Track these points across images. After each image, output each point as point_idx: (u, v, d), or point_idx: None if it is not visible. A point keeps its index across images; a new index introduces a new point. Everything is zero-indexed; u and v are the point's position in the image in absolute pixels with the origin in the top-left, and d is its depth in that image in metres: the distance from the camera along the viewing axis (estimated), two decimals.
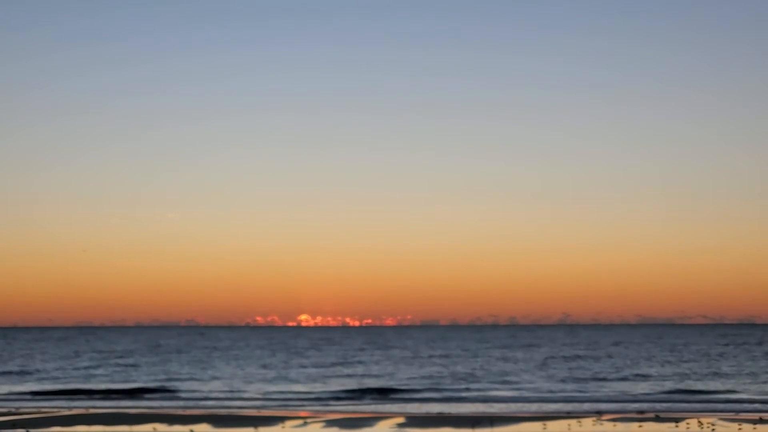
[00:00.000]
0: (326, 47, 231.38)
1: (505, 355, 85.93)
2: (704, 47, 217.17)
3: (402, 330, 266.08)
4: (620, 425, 27.80)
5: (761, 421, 29.16)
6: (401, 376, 57.70)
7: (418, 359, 79.76)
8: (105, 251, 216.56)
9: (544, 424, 28.31)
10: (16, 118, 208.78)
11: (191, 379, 57.33)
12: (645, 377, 55.73)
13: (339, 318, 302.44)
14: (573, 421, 29.00)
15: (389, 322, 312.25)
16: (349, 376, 59.11)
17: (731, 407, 36.68)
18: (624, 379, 54.74)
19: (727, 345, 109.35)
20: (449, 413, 33.56)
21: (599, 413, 32.58)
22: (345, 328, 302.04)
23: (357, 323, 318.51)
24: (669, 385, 50.27)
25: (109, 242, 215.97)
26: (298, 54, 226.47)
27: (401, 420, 30.37)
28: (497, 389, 48.27)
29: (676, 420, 29.39)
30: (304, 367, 69.54)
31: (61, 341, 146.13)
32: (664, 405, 38.11)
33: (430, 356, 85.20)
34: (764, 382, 51.15)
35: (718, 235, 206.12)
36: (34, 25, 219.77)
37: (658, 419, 29.80)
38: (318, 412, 35.42)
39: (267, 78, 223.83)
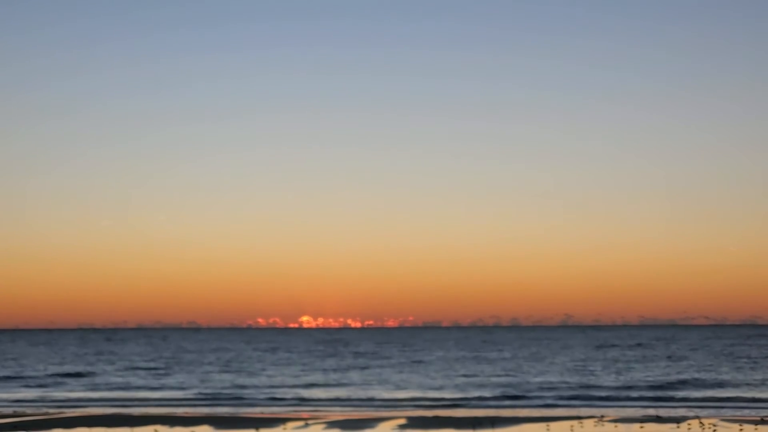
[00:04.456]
0: (324, 48, 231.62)
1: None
2: (714, 48, 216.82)
3: (418, 330, 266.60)
4: (621, 426, 27.77)
5: (763, 421, 29.10)
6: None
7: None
8: (98, 253, 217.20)
9: (548, 425, 28.31)
10: (5, 121, 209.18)
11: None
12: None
13: (341, 319, 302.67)
14: (575, 422, 28.98)
15: (391, 323, 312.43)
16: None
17: (734, 407, 36.64)
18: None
19: (736, 345, 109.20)
20: (449, 415, 33.53)
21: (602, 415, 32.53)
22: (378, 329, 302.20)
23: (359, 324, 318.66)
24: (670, 385, 50.23)
25: (101, 244, 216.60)
26: (293, 54, 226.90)
27: (402, 421, 30.37)
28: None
29: (678, 420, 29.38)
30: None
31: (77, 343, 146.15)
32: (666, 406, 38.08)
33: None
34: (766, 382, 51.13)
35: (720, 236, 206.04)
36: (25, 28, 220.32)
37: (659, 420, 29.76)
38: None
39: (265, 78, 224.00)
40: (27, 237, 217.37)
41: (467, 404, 40.11)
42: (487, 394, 45.90)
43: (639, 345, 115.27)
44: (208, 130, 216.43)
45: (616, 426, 27.77)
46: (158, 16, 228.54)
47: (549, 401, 41.56)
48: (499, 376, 59.05)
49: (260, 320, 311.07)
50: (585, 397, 43.91)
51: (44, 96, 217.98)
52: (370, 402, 41.66)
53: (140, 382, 57.18)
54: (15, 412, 35.47)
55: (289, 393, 47.32)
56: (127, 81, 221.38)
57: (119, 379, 59.45)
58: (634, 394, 45.36)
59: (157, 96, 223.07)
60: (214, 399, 45.01)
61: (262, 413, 35.27)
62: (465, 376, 59.15)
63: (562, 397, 43.34)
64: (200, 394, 48.01)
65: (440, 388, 49.77)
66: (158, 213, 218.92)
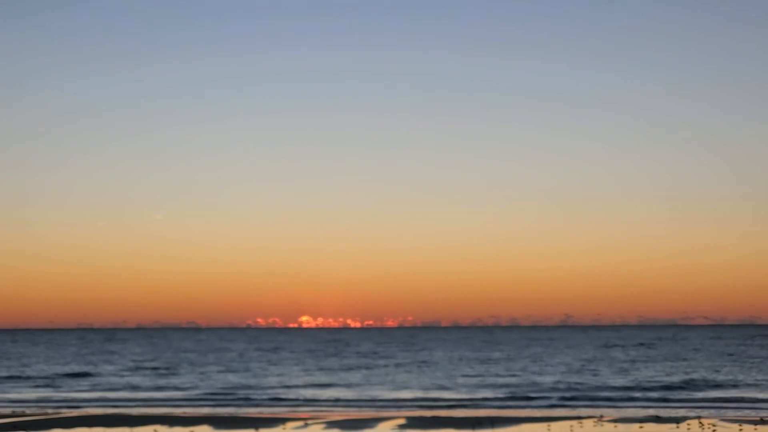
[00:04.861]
0: (324, 48, 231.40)
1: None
2: (713, 48, 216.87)
3: (418, 330, 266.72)
4: (621, 426, 27.76)
5: (762, 421, 29.09)
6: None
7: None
8: (95, 253, 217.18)
9: (548, 426, 28.29)
10: (3, 121, 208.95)
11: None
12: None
13: (340, 319, 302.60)
14: (575, 423, 28.97)
15: (390, 323, 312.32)
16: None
17: (734, 408, 36.63)
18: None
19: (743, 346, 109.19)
20: (449, 415, 33.51)
21: (601, 415, 32.50)
22: (381, 329, 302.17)
23: (358, 324, 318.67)
24: (671, 385, 50.20)
25: (98, 244, 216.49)
26: (293, 54, 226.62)
27: (402, 421, 30.36)
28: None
29: (677, 420, 29.36)
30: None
31: (77, 342, 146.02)
32: (666, 406, 38.05)
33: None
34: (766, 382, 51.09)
35: (719, 236, 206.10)
36: (25, 27, 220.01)
37: (658, 420, 29.74)
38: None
39: (265, 78, 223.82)
40: (25, 237, 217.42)
41: (468, 404, 40.09)
42: (488, 394, 45.89)
43: (640, 345, 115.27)
44: (206, 129, 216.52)
45: (615, 426, 27.75)
46: (158, 16, 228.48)
47: (551, 401, 41.54)
48: (501, 376, 59.05)
49: (260, 320, 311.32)
50: (586, 397, 43.89)
51: (42, 96, 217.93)
52: (371, 402, 41.61)
53: (140, 382, 57.16)
54: (14, 412, 35.43)
55: (290, 393, 47.32)
56: (126, 81, 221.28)
57: (119, 379, 59.45)
58: (635, 394, 45.34)
59: (155, 96, 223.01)
60: (214, 399, 44.97)
61: (261, 413, 35.25)
62: (467, 376, 59.14)
63: (563, 398, 43.32)
64: (201, 394, 47.99)
65: (442, 388, 49.75)
66: (155, 212, 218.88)
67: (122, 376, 63.17)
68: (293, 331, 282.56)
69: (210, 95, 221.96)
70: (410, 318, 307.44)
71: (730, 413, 33.67)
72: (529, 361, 77.19)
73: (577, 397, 43.53)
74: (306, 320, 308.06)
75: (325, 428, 28.28)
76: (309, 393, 47.18)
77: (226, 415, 34.02)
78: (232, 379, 58.60)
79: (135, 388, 52.57)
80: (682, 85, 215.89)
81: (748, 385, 49.78)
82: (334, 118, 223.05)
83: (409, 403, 40.51)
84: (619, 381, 53.52)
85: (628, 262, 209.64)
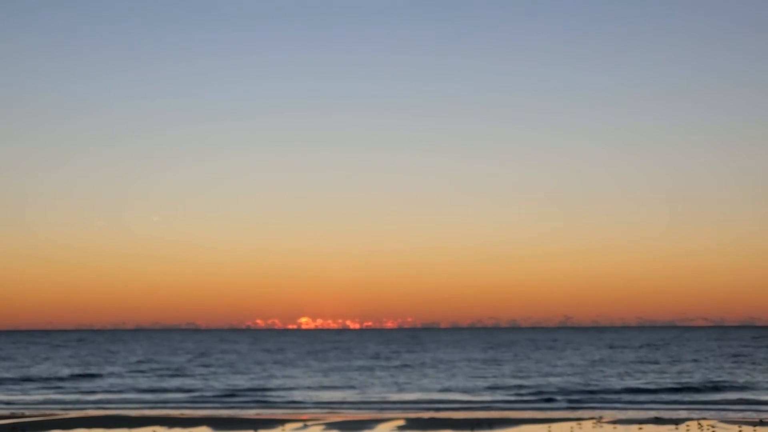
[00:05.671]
0: (324, 48, 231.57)
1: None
2: (712, 49, 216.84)
3: (418, 332, 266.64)
4: (620, 427, 27.70)
5: (761, 423, 29.02)
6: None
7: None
8: (95, 254, 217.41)
9: (548, 427, 28.23)
10: (2, 121, 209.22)
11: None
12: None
13: (339, 321, 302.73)
14: (574, 424, 28.91)
15: (390, 324, 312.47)
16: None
17: (734, 409, 36.57)
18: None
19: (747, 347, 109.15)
20: (448, 417, 33.44)
21: (600, 416, 32.44)
22: (380, 331, 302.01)
23: (357, 326, 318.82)
24: (669, 386, 50.15)
25: (95, 245, 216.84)
26: (292, 55, 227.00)
27: (401, 423, 30.29)
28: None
29: (676, 422, 29.29)
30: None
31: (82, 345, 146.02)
32: (666, 408, 38.01)
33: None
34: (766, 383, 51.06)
35: (719, 237, 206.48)
36: (25, 27, 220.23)
37: (658, 422, 29.68)
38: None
39: (264, 78, 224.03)
40: (25, 237, 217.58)
41: (473, 406, 40.01)
42: (492, 396, 45.86)
43: (640, 347, 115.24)
44: (205, 130, 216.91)
45: (615, 428, 27.69)
46: (158, 16, 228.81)
47: (553, 403, 41.50)
48: (505, 377, 58.97)
49: (259, 321, 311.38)
50: (587, 399, 43.83)
51: (42, 96, 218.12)
52: (374, 404, 41.53)
53: (140, 383, 57.09)
54: (13, 413, 35.35)
55: (293, 395, 47.27)
56: (126, 81, 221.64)
57: (119, 381, 59.35)
58: (637, 396, 45.31)
59: (155, 96, 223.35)
60: (214, 401, 44.92)
61: (259, 415, 35.19)
62: (471, 377, 59.05)
63: (566, 399, 43.27)
64: (200, 396, 47.92)
65: (446, 389, 49.68)
66: (153, 213, 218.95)
67: (122, 377, 63.08)
68: (293, 333, 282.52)
69: (210, 95, 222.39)
70: (410, 319, 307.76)
71: (731, 415, 33.60)
72: (534, 362, 77.13)
73: (579, 399, 43.46)
74: (305, 321, 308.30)
75: (324, 429, 28.21)
76: (311, 394, 47.13)
77: (225, 416, 33.95)
78: (234, 380, 58.52)
79: (135, 389, 52.47)
80: (682, 86, 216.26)
81: (750, 387, 49.70)
82: (334, 118, 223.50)
83: (411, 405, 40.43)
84: (622, 383, 53.45)
85: (628, 263, 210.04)
